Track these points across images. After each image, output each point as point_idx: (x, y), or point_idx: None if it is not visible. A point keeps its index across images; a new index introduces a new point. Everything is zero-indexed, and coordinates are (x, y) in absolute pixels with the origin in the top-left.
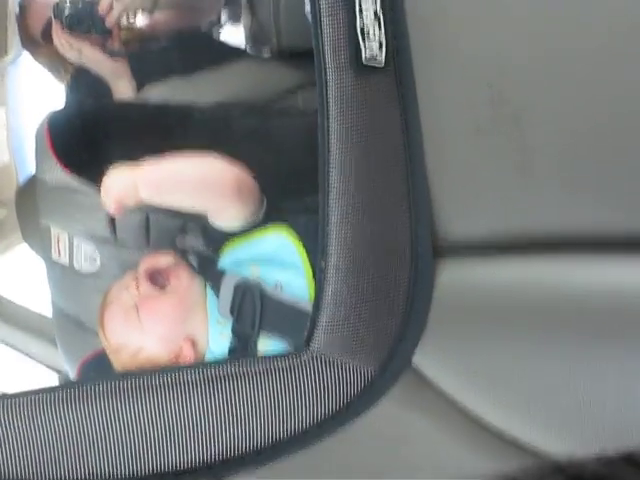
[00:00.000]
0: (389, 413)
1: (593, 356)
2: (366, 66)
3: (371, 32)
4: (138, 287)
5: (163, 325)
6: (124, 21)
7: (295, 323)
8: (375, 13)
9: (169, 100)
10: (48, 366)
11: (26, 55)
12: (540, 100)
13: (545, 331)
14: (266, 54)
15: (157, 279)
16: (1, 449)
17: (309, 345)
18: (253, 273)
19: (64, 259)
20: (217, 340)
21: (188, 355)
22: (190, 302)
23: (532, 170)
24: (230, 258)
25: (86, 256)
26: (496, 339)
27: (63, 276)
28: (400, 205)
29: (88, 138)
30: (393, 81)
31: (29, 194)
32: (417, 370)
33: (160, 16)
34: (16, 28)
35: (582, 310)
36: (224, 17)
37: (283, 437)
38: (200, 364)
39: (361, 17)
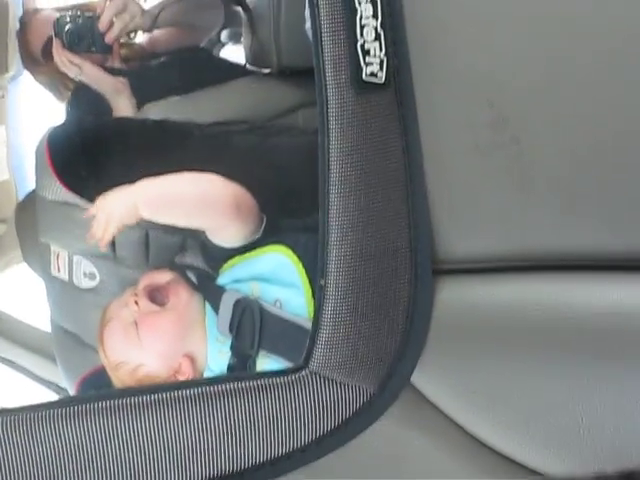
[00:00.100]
0: (388, 431)
1: (593, 376)
2: (367, 85)
3: (372, 51)
4: (137, 304)
5: (162, 342)
6: (124, 38)
7: (294, 341)
8: (376, 32)
9: (169, 117)
10: (47, 382)
11: (26, 74)
12: (540, 120)
13: (544, 351)
14: (266, 72)
15: (156, 296)
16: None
17: (308, 363)
18: (253, 291)
19: (63, 275)
20: (216, 358)
21: (187, 372)
22: (189, 319)
23: (532, 190)
24: (229, 276)
25: (85, 272)
26: (495, 358)
27: (62, 292)
28: (400, 224)
29: (88, 155)
30: (394, 100)
31: (29, 210)
32: (416, 388)
33: (160, 34)
34: (16, 45)
35: (582, 330)
36: (224, 35)
37: (282, 455)
38: (198, 381)
39: (362, 36)
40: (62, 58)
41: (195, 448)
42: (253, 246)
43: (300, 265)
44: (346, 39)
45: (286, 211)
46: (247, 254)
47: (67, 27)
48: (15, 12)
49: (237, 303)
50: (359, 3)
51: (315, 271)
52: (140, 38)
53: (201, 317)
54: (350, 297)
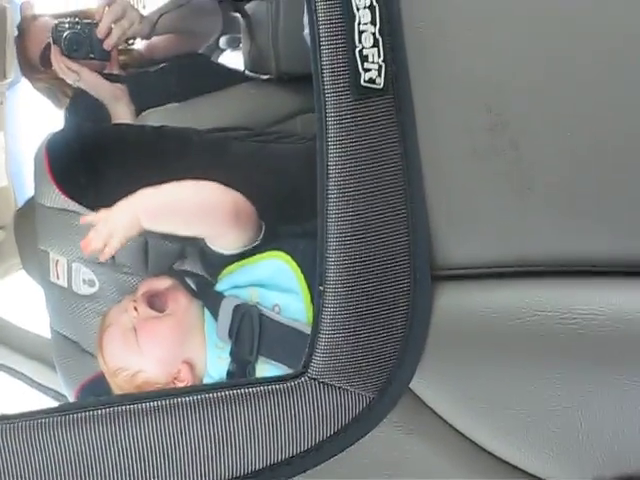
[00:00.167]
0: (387, 437)
1: (592, 382)
2: (365, 90)
3: (370, 57)
4: (137, 310)
5: (161, 348)
6: (123, 45)
7: (293, 347)
8: (374, 38)
9: (167, 124)
10: (47, 389)
11: (24, 81)
12: (538, 124)
13: (544, 356)
14: (265, 78)
15: (155, 302)
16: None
17: (307, 369)
18: (251, 296)
19: (62, 282)
20: (215, 364)
21: (186, 379)
22: (188, 325)
23: (531, 194)
24: (228, 282)
25: (84, 279)
26: (494, 364)
27: (61, 299)
28: (398, 229)
29: (86, 162)
30: (392, 105)
31: (28, 217)
32: (415, 394)
33: (159, 40)
34: (14, 51)
35: (581, 336)
36: (223, 42)
37: (281, 461)
38: (198, 387)
39: (360, 42)
40: (60, 65)
41: (194, 455)
42: (252, 252)
43: (299, 270)
44: (344, 45)
45: (285, 217)
46: (245, 260)
47: (65, 34)
48: (13, 18)
49: (236, 309)
50: (357, 9)
51: (314, 276)
52: (139, 45)
53: (200, 323)
54: (349, 303)
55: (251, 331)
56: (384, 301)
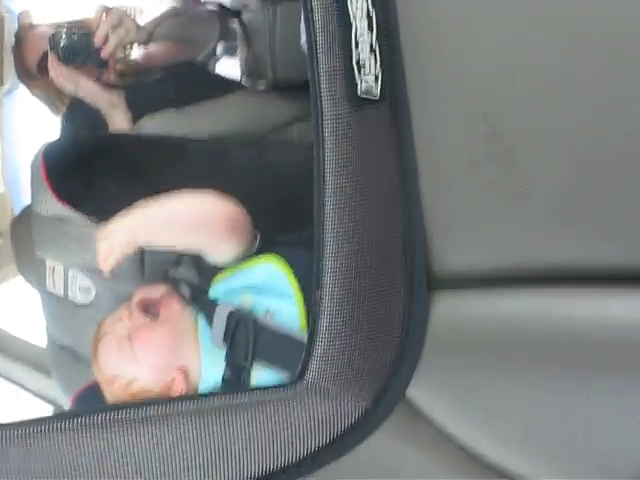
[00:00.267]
0: (383, 445)
1: (591, 390)
2: (362, 99)
3: (367, 65)
4: (131, 318)
5: (155, 354)
6: (120, 53)
7: (287, 352)
8: (371, 46)
9: (164, 132)
10: (42, 397)
11: (22, 88)
12: (535, 133)
13: (542, 365)
14: (262, 87)
15: (149, 310)
16: None
17: (303, 376)
18: (244, 301)
19: (59, 290)
20: (210, 370)
21: (180, 386)
22: (181, 331)
23: (528, 202)
24: (221, 287)
25: (81, 287)
26: (491, 372)
27: (58, 307)
28: (395, 237)
29: (83, 170)
30: (388, 114)
31: (24, 224)
32: (411, 402)
33: (155, 48)
34: (12, 59)
35: (580, 344)
36: (220, 50)
37: (277, 468)
38: (194, 395)
39: (357, 50)
40: (57, 73)
41: (190, 463)
42: (246, 258)
43: (291, 274)
44: (341, 53)
45: (281, 225)
46: (238, 265)
47: (62, 43)
48: (11, 27)
49: (231, 315)
50: (354, 18)
51: (307, 280)
52: (136, 53)
53: (193, 329)
54: (345, 310)
55: (246, 337)
56: (380, 309)
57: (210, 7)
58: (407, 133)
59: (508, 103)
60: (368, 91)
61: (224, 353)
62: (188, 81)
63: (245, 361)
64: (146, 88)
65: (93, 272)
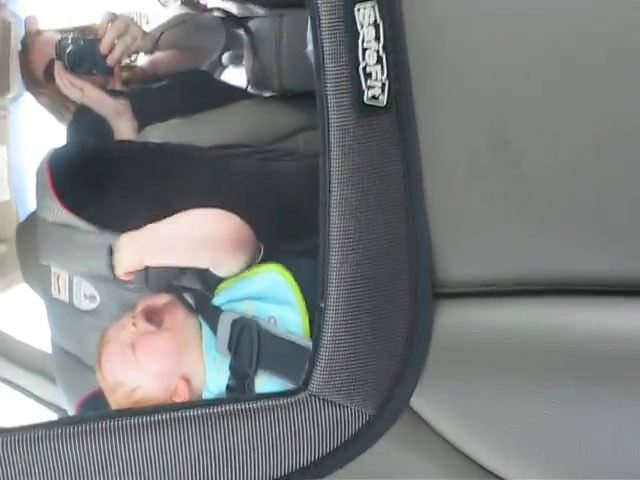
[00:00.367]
0: (386, 454)
1: (592, 400)
2: (368, 108)
3: (373, 74)
4: (135, 326)
5: (159, 362)
6: (125, 61)
7: (291, 359)
8: (378, 55)
9: (170, 140)
10: (47, 403)
11: (28, 95)
12: (540, 144)
13: (543, 375)
14: (267, 95)
15: (154, 318)
16: None
17: (307, 385)
18: (247, 310)
19: (64, 296)
20: (215, 378)
21: (183, 394)
22: (185, 339)
23: (532, 214)
24: (225, 296)
25: (86, 294)
26: (494, 382)
27: (63, 312)
28: (400, 247)
29: (88, 177)
30: (395, 123)
31: (29, 231)
32: (415, 411)
33: (161, 56)
34: (18, 66)
35: (581, 354)
36: (226, 58)
37: (280, 477)
38: (197, 402)
39: (364, 59)
40: (64, 80)
41: (194, 469)
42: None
43: (294, 282)
44: (348, 62)
45: (286, 234)
46: (241, 274)
47: (69, 49)
48: (17, 33)
49: (234, 323)
50: (361, 26)
51: (310, 288)
52: (141, 61)
53: (197, 337)
54: (350, 319)
55: (250, 344)
56: (385, 318)
57: (216, 15)
58: (413, 142)
59: (513, 115)
60: (375, 100)
61: (228, 361)
62: (194, 89)
63: (249, 368)
64: (152, 96)
65: (97, 280)
